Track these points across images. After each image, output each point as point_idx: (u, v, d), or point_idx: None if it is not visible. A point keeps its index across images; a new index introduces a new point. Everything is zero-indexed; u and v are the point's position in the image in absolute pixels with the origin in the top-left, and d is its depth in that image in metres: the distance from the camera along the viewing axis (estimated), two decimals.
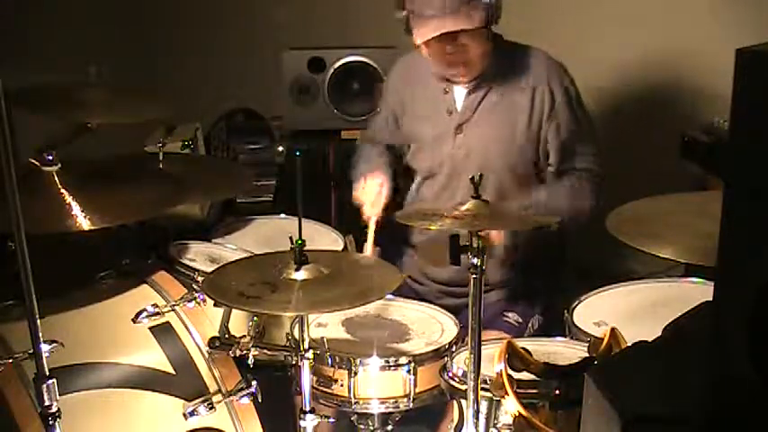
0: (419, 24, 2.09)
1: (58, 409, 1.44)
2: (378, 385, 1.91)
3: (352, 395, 1.90)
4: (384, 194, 2.29)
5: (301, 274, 1.65)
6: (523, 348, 1.67)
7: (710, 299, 1.00)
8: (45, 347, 1.42)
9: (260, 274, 1.69)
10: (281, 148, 3.40)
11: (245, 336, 1.87)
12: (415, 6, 2.09)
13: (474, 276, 1.63)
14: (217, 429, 1.82)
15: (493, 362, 1.63)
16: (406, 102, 2.41)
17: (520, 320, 2.23)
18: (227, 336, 1.96)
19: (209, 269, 2.01)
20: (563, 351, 1.88)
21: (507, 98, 2.24)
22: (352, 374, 1.89)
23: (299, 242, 1.66)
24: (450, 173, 2.30)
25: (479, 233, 1.64)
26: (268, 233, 2.55)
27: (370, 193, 2.27)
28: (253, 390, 1.85)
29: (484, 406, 1.72)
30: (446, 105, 2.30)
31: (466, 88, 2.27)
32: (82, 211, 1.77)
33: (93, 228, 1.77)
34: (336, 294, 1.63)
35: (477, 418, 1.69)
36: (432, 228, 1.73)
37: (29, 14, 3.36)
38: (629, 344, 1.50)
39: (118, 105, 2.40)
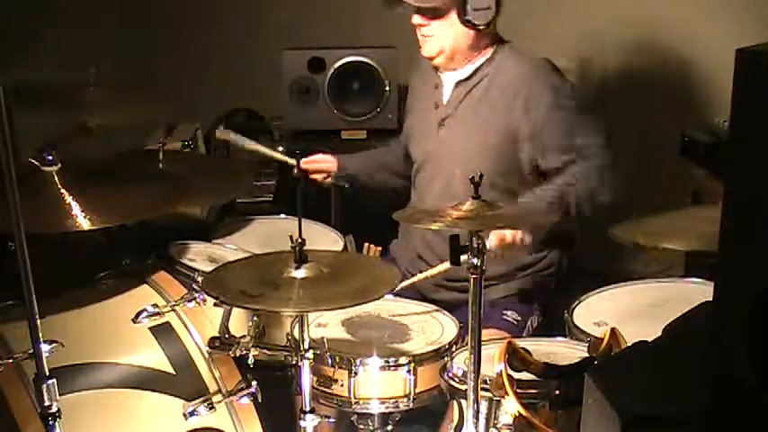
0: None
1: (58, 409, 1.44)
2: (378, 385, 1.91)
3: (352, 395, 1.90)
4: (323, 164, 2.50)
5: (301, 273, 1.65)
6: (523, 348, 1.67)
7: (710, 299, 1.00)
8: (45, 347, 1.42)
9: (260, 273, 1.69)
10: (280, 149, 3.39)
11: (245, 336, 1.87)
12: None
13: (474, 276, 1.63)
14: (217, 429, 1.82)
15: (493, 362, 1.63)
16: (411, 101, 2.51)
17: (518, 319, 2.23)
18: (227, 336, 1.95)
19: (209, 269, 2.01)
20: (563, 351, 1.88)
21: (491, 98, 2.25)
22: (352, 374, 1.89)
23: (299, 241, 1.65)
24: (434, 167, 2.34)
25: (479, 232, 1.64)
26: (268, 233, 2.55)
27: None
28: (253, 390, 1.85)
29: (484, 406, 1.71)
30: (434, 99, 2.35)
31: (452, 84, 2.31)
32: (82, 211, 1.77)
33: (93, 228, 1.77)
34: (337, 292, 1.63)
35: (477, 418, 1.69)
36: (431, 228, 1.74)
37: (29, 14, 3.36)
38: (629, 344, 1.50)
39: (118, 105, 2.40)
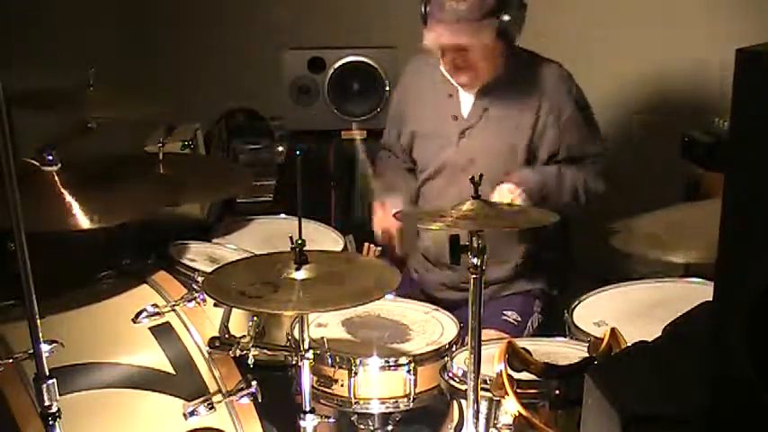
0: (431, 26, 2.13)
1: (58, 409, 1.44)
2: (378, 385, 1.91)
3: (352, 395, 1.90)
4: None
5: (301, 274, 1.65)
6: (523, 348, 1.67)
7: (710, 299, 1.00)
8: (45, 347, 1.42)
9: (260, 273, 1.69)
10: (281, 148, 3.40)
11: (245, 336, 1.87)
12: (433, 7, 2.11)
13: (474, 276, 1.63)
14: (217, 429, 1.82)
15: (493, 362, 1.63)
16: (411, 103, 2.41)
17: (519, 319, 2.23)
18: (227, 336, 1.96)
19: (209, 269, 2.01)
20: (563, 351, 1.88)
21: (515, 108, 2.25)
22: (353, 374, 1.89)
23: (300, 242, 1.66)
24: (450, 177, 2.31)
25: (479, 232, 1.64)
26: (268, 233, 2.55)
27: (386, 221, 2.29)
28: (253, 390, 1.85)
29: (484, 406, 1.72)
30: (451, 110, 2.30)
31: (472, 94, 2.28)
32: (82, 211, 1.77)
33: (93, 227, 1.77)
34: (337, 294, 1.63)
35: (477, 418, 1.69)
36: (432, 228, 1.74)
37: (29, 14, 3.35)
38: (629, 344, 1.50)
39: (118, 105, 2.40)
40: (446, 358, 1.88)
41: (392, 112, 2.53)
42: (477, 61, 2.18)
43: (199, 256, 2.27)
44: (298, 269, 1.66)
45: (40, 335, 1.39)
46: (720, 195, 0.94)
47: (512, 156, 2.25)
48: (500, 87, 2.26)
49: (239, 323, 2.08)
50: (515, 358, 1.65)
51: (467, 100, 2.29)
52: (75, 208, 1.77)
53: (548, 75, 2.27)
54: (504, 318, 2.22)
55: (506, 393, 1.58)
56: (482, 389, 1.68)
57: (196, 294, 1.92)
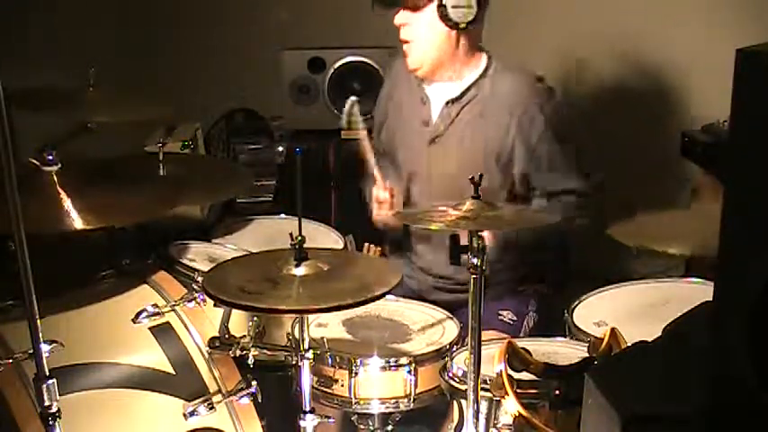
0: None
1: (58, 409, 1.43)
2: (378, 385, 1.91)
3: (352, 395, 1.90)
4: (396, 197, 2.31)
5: (301, 270, 1.65)
6: (523, 348, 1.67)
7: (710, 299, 1.00)
8: (45, 347, 1.42)
9: (259, 271, 1.69)
10: (281, 148, 3.40)
11: (245, 336, 1.87)
12: None
13: (474, 276, 1.63)
14: (217, 429, 1.82)
15: (493, 362, 1.63)
16: (391, 104, 2.42)
17: (514, 318, 2.23)
18: (227, 336, 1.95)
19: (209, 269, 2.01)
20: (563, 351, 1.88)
21: (484, 118, 2.22)
22: (353, 374, 1.89)
23: (299, 239, 1.65)
24: (424, 182, 2.31)
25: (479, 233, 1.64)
26: (268, 233, 2.55)
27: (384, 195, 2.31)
28: (253, 390, 1.85)
29: (484, 406, 1.71)
30: (422, 116, 2.29)
31: (443, 102, 2.25)
32: (82, 212, 1.77)
33: (92, 228, 1.77)
34: (337, 290, 1.63)
35: (477, 418, 1.69)
36: (432, 228, 1.74)
37: (29, 14, 3.36)
38: (629, 344, 1.50)
39: (118, 105, 2.40)
40: (446, 358, 1.88)
41: (376, 112, 2.51)
42: (416, 31, 2.17)
43: (199, 256, 2.27)
44: (297, 266, 1.66)
45: (40, 335, 1.39)
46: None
47: (479, 167, 2.19)
48: (470, 99, 2.23)
49: (239, 323, 2.08)
50: (515, 358, 1.65)
51: (437, 106, 2.27)
52: (75, 208, 1.77)
53: (523, 88, 2.21)
54: (500, 318, 2.22)
55: (506, 393, 1.58)
56: (482, 389, 1.68)
57: (196, 294, 1.92)
